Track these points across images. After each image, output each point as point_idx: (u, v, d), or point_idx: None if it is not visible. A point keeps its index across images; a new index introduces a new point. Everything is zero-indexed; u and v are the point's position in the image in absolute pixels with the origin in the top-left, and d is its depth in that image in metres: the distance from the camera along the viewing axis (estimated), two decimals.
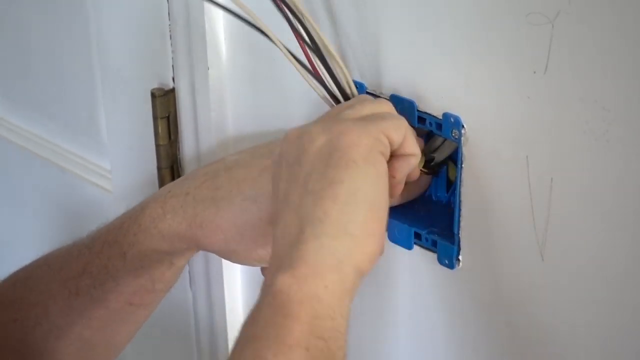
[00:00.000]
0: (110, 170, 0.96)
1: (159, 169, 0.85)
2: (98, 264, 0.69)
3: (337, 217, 0.55)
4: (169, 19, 0.80)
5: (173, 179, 0.85)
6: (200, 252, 0.87)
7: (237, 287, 0.86)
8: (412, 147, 0.61)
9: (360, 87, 0.67)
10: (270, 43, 0.72)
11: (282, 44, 0.63)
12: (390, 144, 0.59)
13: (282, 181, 0.59)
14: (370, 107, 0.61)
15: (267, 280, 0.55)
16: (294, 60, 0.64)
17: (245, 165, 0.67)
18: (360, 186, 0.56)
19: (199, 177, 0.68)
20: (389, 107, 0.63)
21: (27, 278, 0.72)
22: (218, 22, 0.76)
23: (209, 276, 0.87)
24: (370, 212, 0.56)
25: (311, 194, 0.56)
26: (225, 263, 0.84)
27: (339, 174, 0.56)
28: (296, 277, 0.53)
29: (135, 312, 0.72)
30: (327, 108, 0.66)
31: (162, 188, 0.69)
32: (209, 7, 0.75)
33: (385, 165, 0.58)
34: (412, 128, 0.62)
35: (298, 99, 0.73)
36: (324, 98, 0.65)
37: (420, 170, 0.66)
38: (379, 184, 0.57)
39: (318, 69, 0.64)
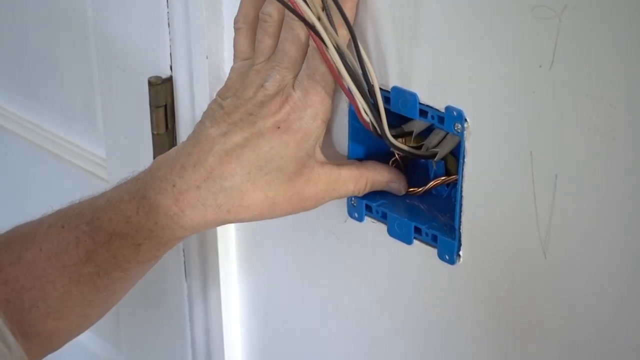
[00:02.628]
0: (105, 158, 0.95)
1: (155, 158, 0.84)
2: (105, 254, 0.69)
3: None
4: (167, 7, 0.80)
5: None
6: (196, 245, 0.87)
7: (233, 278, 0.86)
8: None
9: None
10: None
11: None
12: None
13: None
14: None
15: None
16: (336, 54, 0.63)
17: (250, 143, 0.66)
18: None
19: (202, 167, 0.66)
20: None
21: (17, 259, 0.71)
22: (217, 10, 0.76)
23: (205, 268, 0.86)
24: None
25: None
26: (222, 255, 0.84)
27: None
28: None
29: (137, 281, 0.73)
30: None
31: (156, 178, 0.68)
32: None
33: None
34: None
35: None
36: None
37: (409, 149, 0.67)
38: None
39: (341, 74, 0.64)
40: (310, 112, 0.65)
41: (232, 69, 0.70)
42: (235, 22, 0.70)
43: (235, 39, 0.70)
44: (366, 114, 0.64)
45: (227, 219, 0.67)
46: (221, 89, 0.69)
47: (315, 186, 0.67)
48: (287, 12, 0.65)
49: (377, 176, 0.69)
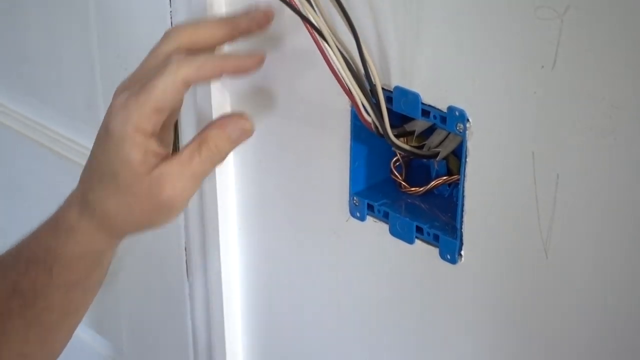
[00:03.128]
0: None
1: None
2: (26, 284, 0.69)
3: None
4: (170, 6, 0.80)
5: None
6: (197, 244, 0.87)
7: (234, 277, 0.86)
8: None
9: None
10: (268, 33, 0.71)
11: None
12: None
13: None
14: None
15: None
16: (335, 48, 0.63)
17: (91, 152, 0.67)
18: None
19: (80, 183, 0.68)
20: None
21: None
22: (220, 9, 0.76)
23: (207, 267, 0.86)
24: None
25: None
26: (224, 254, 0.84)
27: None
28: None
29: (73, 318, 0.72)
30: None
31: (70, 196, 0.70)
32: None
33: None
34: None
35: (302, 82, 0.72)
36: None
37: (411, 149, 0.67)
38: None
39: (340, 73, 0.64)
40: (122, 115, 0.63)
41: None
42: None
43: None
44: (367, 113, 0.65)
45: (106, 230, 0.67)
46: None
47: (169, 183, 0.64)
48: None
49: (213, 129, 0.65)
